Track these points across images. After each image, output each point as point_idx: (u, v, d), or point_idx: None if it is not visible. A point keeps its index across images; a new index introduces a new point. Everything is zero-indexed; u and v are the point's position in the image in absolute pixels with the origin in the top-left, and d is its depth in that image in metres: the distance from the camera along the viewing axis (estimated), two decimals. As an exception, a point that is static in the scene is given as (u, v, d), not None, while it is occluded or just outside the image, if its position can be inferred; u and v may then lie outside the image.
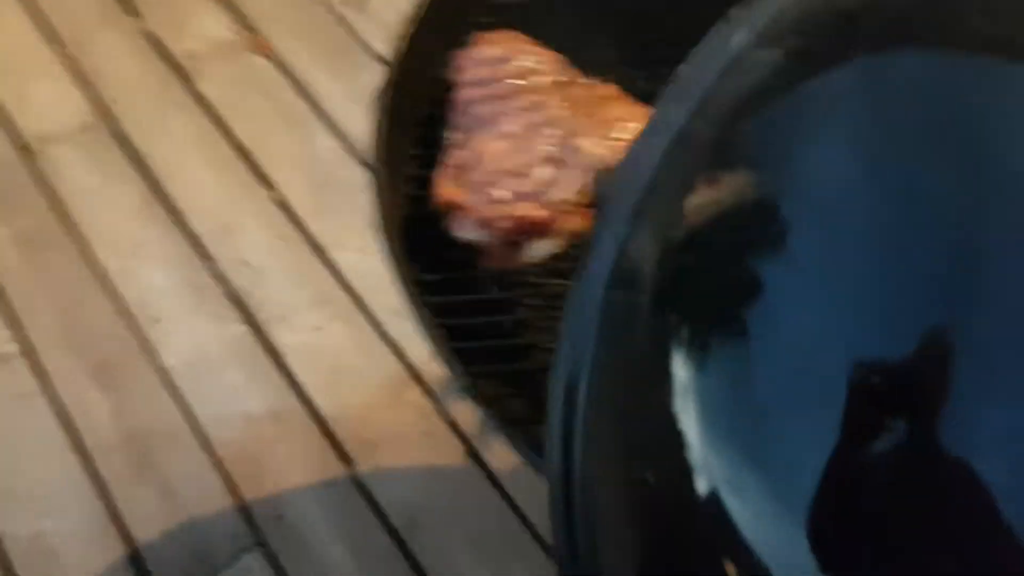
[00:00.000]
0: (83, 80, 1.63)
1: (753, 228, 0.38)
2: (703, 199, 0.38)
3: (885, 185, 0.37)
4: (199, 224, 1.43)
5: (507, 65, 0.62)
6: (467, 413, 1.23)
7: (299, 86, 1.57)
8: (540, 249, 0.57)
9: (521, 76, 0.62)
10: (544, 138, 0.59)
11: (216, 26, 1.68)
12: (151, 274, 1.38)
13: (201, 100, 1.58)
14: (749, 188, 0.39)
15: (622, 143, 0.59)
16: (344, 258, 1.39)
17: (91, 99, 1.60)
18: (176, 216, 1.44)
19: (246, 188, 1.48)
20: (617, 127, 0.59)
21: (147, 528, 1.18)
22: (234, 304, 1.35)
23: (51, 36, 1.69)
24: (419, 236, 0.60)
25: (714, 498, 0.35)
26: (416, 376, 1.26)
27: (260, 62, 1.63)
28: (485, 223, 0.56)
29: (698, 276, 0.38)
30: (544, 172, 0.57)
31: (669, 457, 0.36)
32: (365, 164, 0.52)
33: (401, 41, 0.63)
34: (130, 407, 1.28)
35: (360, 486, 1.19)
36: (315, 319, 1.34)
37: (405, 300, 0.52)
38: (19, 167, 1.53)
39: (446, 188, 0.57)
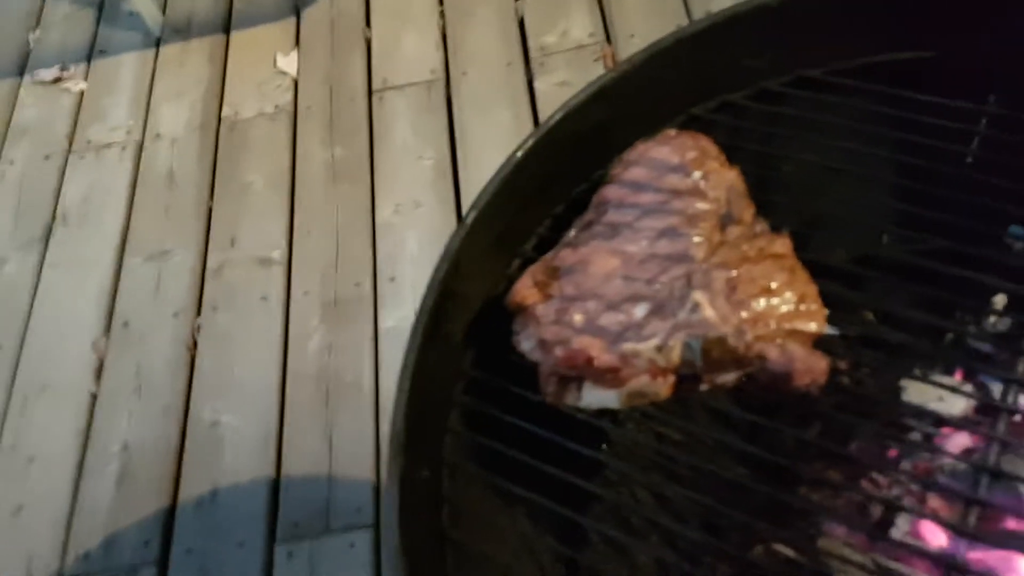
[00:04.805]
0: (444, 40, 1.71)
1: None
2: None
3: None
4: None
5: (674, 176, 0.52)
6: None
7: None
8: (593, 397, 0.47)
9: (680, 193, 0.51)
10: (661, 274, 0.48)
11: (580, 28, 1.69)
12: (409, 236, 1.43)
13: (532, 94, 1.60)
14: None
15: (747, 315, 0.47)
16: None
17: (442, 60, 1.69)
18: (455, 194, 1.48)
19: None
20: (754, 296, 0.47)
21: None
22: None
23: (441, -6, 1.79)
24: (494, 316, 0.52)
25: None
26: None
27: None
28: (542, 342, 0.47)
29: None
30: (638, 312, 0.47)
31: None
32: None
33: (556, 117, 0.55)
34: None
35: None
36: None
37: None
38: (362, 106, 1.66)
39: (524, 288, 0.49)
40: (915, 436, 0.59)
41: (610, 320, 0.47)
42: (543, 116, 1.57)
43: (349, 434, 1.25)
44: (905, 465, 0.58)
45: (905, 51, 0.60)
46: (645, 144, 0.55)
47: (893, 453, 0.59)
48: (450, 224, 1.45)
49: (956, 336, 0.59)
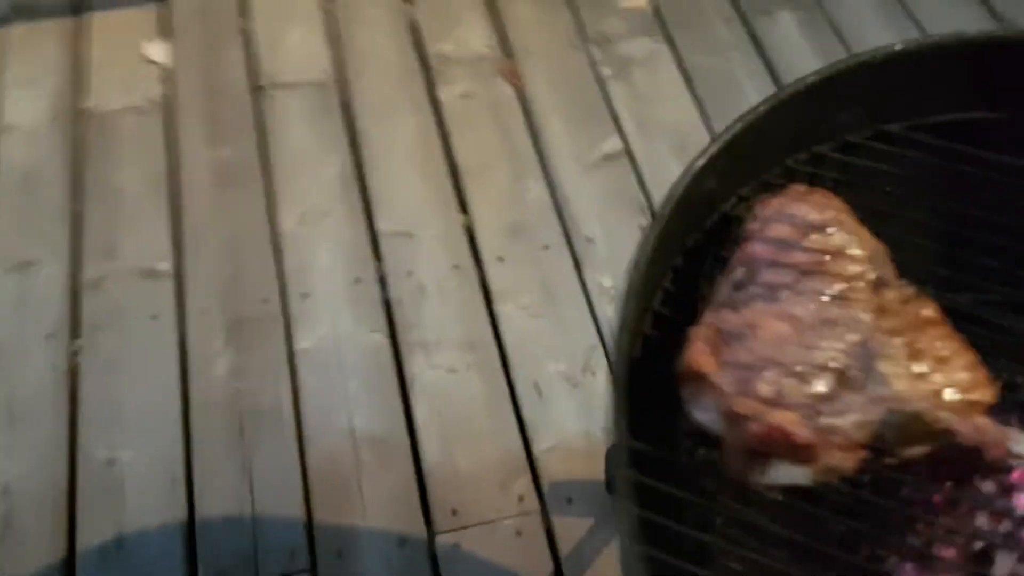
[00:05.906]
0: (333, 40, 1.62)
1: None
2: None
3: None
4: (382, 221, 1.38)
5: (818, 235, 0.51)
6: (568, 528, 1.11)
7: (532, 127, 1.50)
8: (784, 474, 0.45)
9: (830, 254, 0.50)
10: (837, 341, 0.47)
11: (477, 38, 1.65)
12: (319, 248, 1.34)
13: (436, 103, 1.54)
14: None
15: (931, 387, 0.46)
16: (507, 312, 1.30)
17: (334, 61, 1.59)
18: (365, 204, 1.40)
19: (441, 204, 1.42)
20: (933, 366, 0.47)
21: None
22: (383, 312, 1.29)
23: (324, -12, 1.69)
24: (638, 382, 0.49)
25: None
26: (533, 467, 1.16)
27: (504, 88, 1.58)
28: (731, 416, 0.45)
29: None
30: (825, 384, 0.46)
31: None
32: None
33: (698, 163, 0.53)
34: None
35: (432, 557, 1.09)
36: (454, 360, 1.26)
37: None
38: (246, 103, 1.53)
39: (700, 353, 0.46)
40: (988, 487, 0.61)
41: (797, 392, 0.45)
42: (450, 127, 1.51)
43: (271, 468, 1.15)
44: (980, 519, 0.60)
45: (976, 111, 0.62)
46: (778, 199, 0.53)
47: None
48: (362, 235, 1.37)
49: (1006, 384, 0.62)
